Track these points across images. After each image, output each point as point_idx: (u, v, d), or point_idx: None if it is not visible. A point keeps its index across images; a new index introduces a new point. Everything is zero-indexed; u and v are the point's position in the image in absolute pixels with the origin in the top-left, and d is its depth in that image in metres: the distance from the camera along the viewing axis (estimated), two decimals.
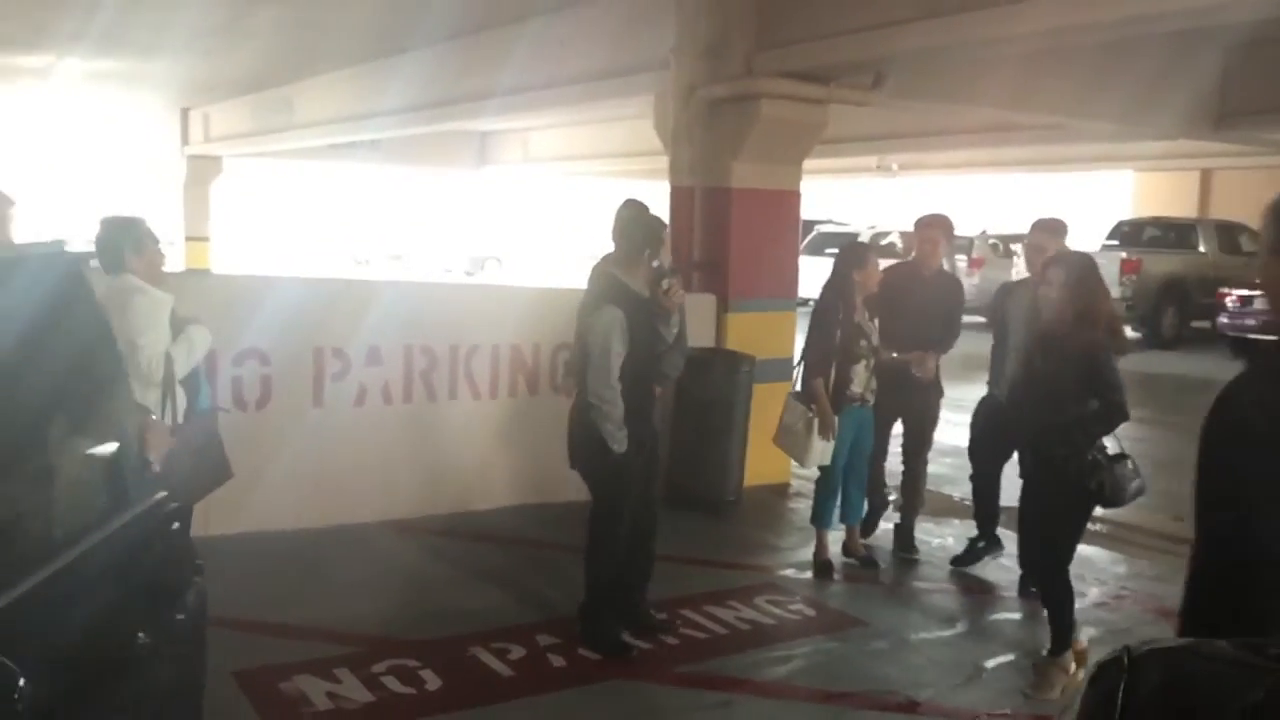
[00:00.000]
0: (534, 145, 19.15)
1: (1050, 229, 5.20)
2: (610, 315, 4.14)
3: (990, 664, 4.44)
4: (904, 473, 5.86)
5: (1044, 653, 4.32)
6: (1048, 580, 4.36)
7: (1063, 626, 4.26)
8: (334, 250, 29.33)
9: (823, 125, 7.12)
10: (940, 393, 5.77)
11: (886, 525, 5.96)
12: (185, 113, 18.29)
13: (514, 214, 31.50)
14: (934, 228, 5.75)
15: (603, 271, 4.35)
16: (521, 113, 12.21)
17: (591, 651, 4.30)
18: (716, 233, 7.02)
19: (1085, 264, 4.31)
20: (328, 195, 31.31)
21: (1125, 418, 4.22)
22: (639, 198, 4.57)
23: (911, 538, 5.82)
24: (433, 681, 4.02)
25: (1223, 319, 14.80)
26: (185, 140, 18.62)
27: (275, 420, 5.65)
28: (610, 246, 4.40)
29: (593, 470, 4.32)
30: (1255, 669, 0.58)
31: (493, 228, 31.20)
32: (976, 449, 5.55)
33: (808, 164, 7.37)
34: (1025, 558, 4.80)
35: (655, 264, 4.29)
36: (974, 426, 5.56)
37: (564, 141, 17.95)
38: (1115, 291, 15.30)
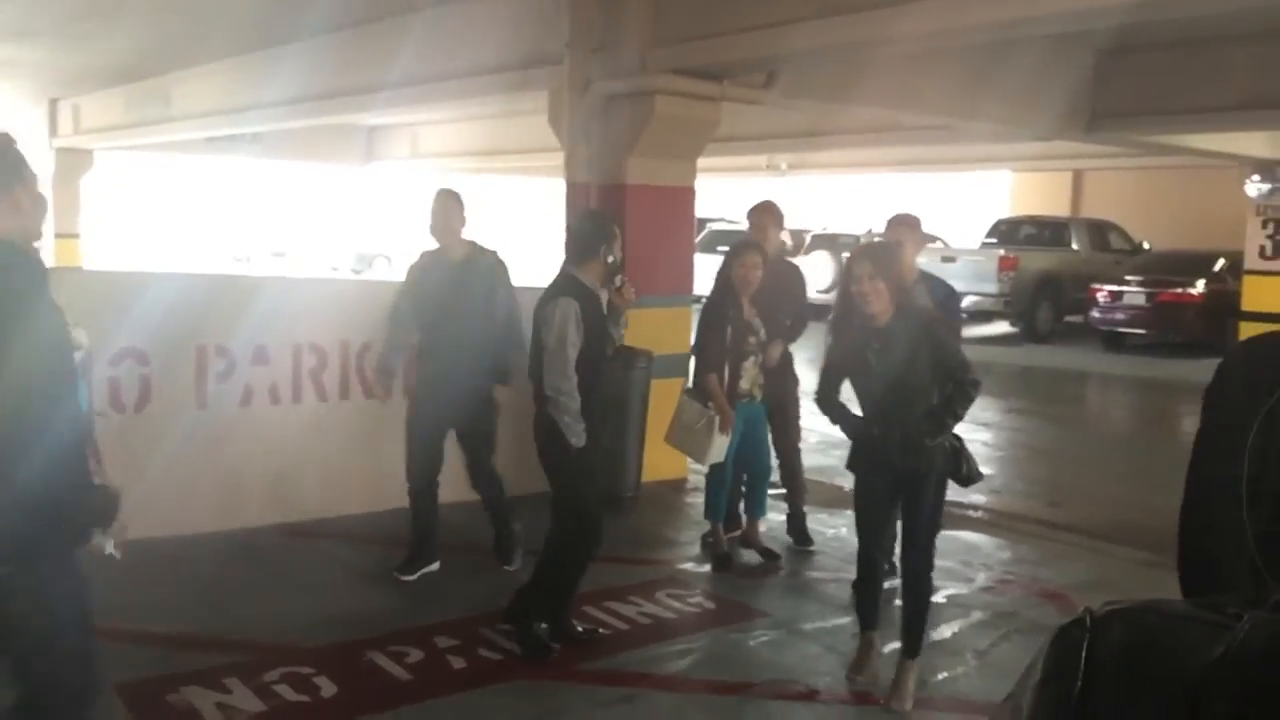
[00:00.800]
0: (424, 141, 18.84)
1: (907, 224, 5.02)
2: (566, 306, 4.09)
3: (887, 650, 4.53)
4: (780, 465, 5.93)
5: (904, 658, 4.07)
6: (927, 577, 4.10)
7: (925, 627, 4.12)
8: (213, 247, 28.35)
9: (716, 122, 7.18)
10: (796, 380, 5.86)
11: (779, 517, 6.05)
12: (54, 103, 17.42)
13: (403, 211, 30.94)
14: (764, 214, 5.77)
15: (560, 271, 4.30)
16: (411, 107, 11.97)
17: (522, 650, 4.24)
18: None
19: (888, 250, 4.19)
20: (206, 191, 30.23)
21: (979, 385, 3.96)
22: (451, 187, 5.18)
23: (804, 528, 5.91)
24: (328, 688, 3.91)
25: (1094, 314, 15.48)
26: (53, 132, 17.72)
27: (156, 422, 5.42)
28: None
29: (554, 466, 4.22)
30: (1215, 625, 0.59)
31: (381, 225, 30.59)
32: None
33: (700, 162, 7.43)
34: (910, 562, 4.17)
35: (610, 259, 4.27)
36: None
37: (455, 137, 17.71)
38: (993, 288, 15.91)
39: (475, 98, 9.74)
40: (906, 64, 8.03)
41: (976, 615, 5.00)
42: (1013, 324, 16.53)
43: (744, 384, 5.31)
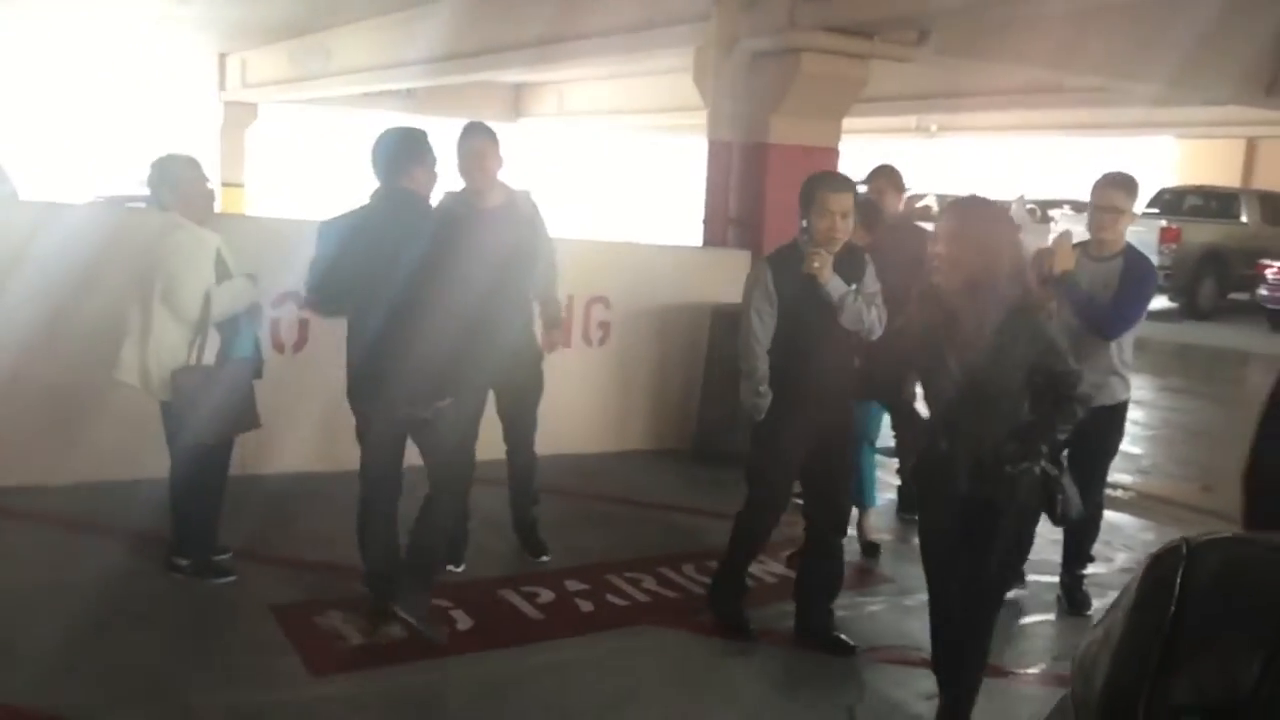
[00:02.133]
0: (570, 98, 19.06)
1: (1122, 185, 4.36)
2: (756, 269, 4.13)
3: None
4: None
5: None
6: (971, 648, 3.35)
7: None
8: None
9: (863, 81, 7.04)
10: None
11: None
12: (222, 58, 18.32)
13: (551, 167, 31.37)
14: (882, 177, 5.30)
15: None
16: (556, 64, 12.11)
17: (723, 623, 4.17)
18: (753, 188, 6.98)
19: (980, 208, 3.31)
20: (361, 145, 31.23)
21: (1089, 401, 3.26)
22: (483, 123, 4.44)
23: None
24: (463, 621, 4.09)
25: (1262, 291, 14.58)
26: (222, 86, 18.66)
27: (312, 363, 5.70)
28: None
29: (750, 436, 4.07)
30: None
31: (528, 181, 30.98)
32: None
33: (845, 123, 7.30)
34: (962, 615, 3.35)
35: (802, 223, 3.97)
36: None
37: (601, 95, 17.85)
38: (1155, 260, 15.09)
39: (620, 55, 9.79)
40: (1068, 21, 7.67)
41: (1113, 595, 4.85)
42: (1173, 299, 15.71)
43: None
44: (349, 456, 4.00)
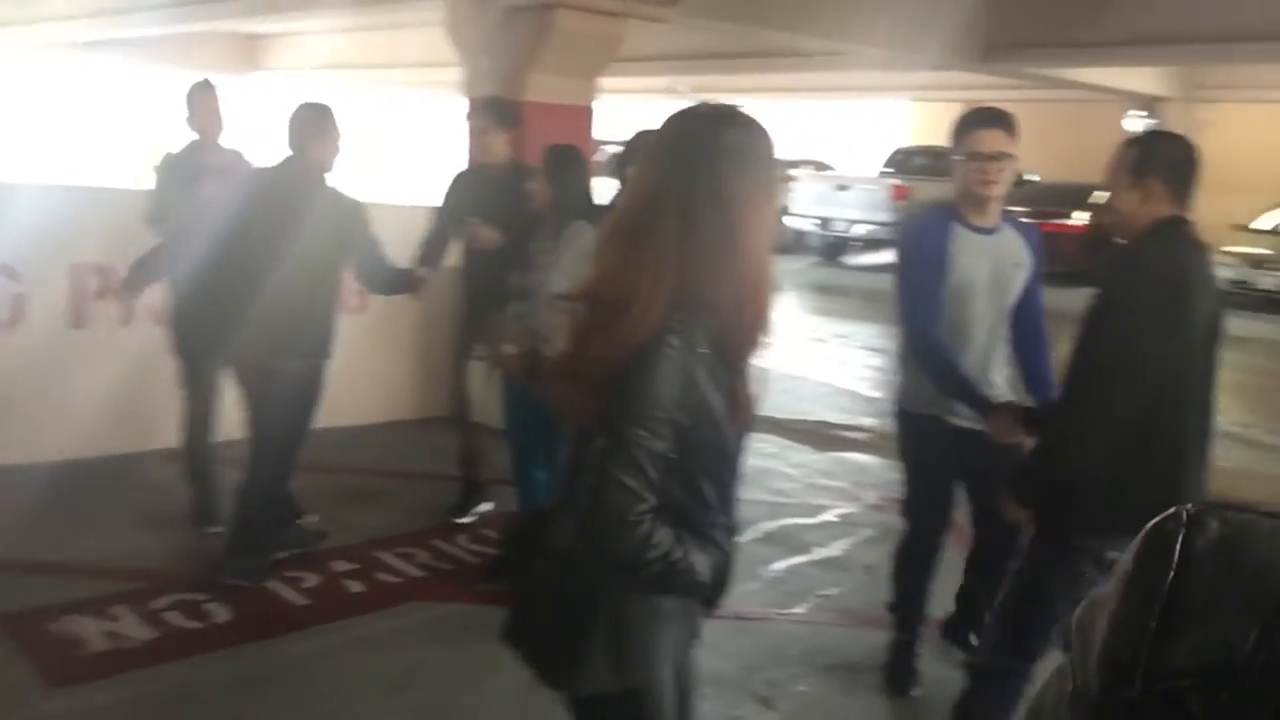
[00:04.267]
0: (310, 51, 18.09)
1: (1001, 122, 3.25)
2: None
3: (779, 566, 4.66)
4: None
5: None
6: None
7: None
8: (86, 158, 26.87)
9: (619, 40, 7.06)
10: None
11: None
12: None
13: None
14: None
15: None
16: (288, 14, 11.42)
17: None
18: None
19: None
20: (82, 99, 28.52)
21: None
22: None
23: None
24: (221, 614, 3.84)
25: None
26: None
27: (30, 343, 5.15)
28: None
29: None
30: None
31: (264, 139, 29.35)
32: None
33: (601, 83, 7.30)
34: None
35: None
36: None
37: (346, 48, 17.04)
38: (885, 216, 16.14)
39: (366, 6, 9.36)
40: None
41: (866, 532, 5.16)
42: None
43: None
44: (75, 444, 3.64)
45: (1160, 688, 0.59)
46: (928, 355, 3.30)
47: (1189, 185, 2.68)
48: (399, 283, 4.45)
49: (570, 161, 4.16)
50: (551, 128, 6.88)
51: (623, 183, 3.69)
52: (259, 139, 4.81)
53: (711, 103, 1.77)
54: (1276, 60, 10.62)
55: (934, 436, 3.43)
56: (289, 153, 4.00)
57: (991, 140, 3.18)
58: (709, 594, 1.84)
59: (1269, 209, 14.49)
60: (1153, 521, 0.64)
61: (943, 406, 3.37)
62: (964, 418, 3.34)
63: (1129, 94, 13.50)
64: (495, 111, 4.86)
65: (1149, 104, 14.07)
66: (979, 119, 3.24)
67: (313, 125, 4.03)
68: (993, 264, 3.28)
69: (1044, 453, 2.75)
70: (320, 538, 4.49)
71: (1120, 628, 0.62)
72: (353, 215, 4.10)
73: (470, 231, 4.63)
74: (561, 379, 1.79)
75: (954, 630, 3.83)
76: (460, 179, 5.02)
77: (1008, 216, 3.39)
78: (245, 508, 4.04)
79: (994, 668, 2.84)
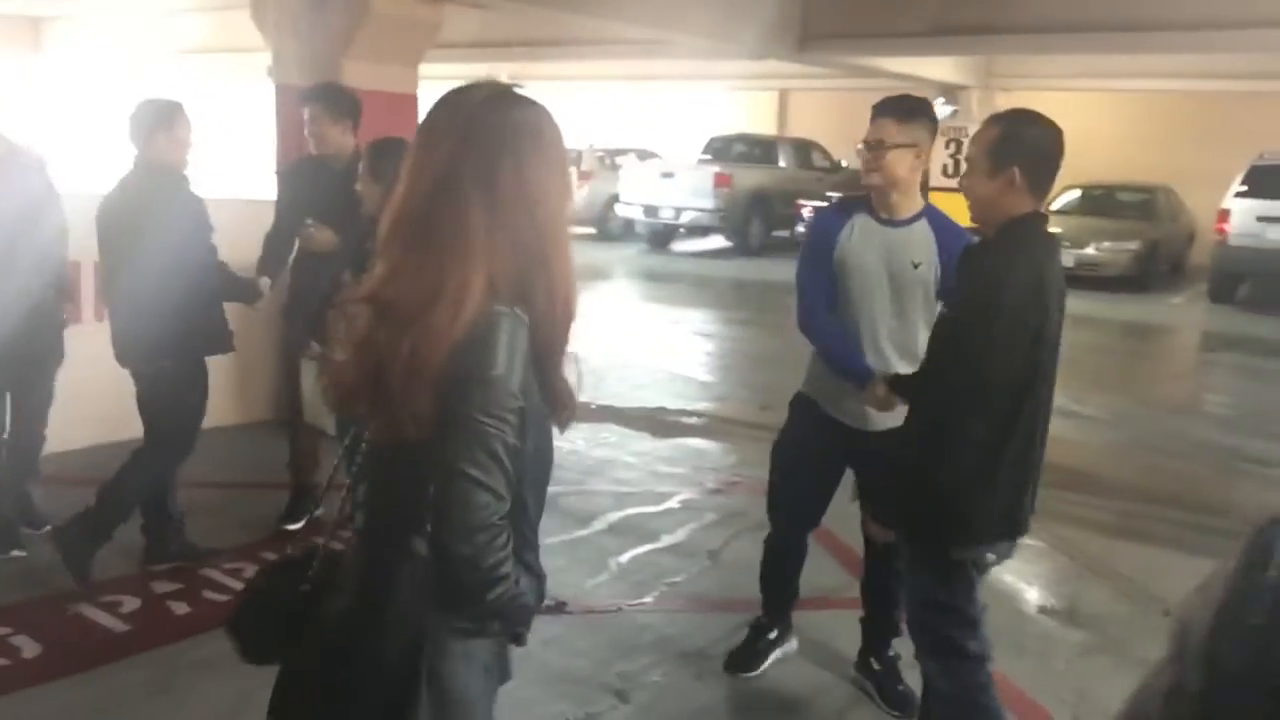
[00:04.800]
0: (100, 33, 16.90)
1: (891, 110, 3.20)
2: None
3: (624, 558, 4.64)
4: None
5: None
6: None
7: None
8: None
9: (438, 25, 6.88)
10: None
11: None
12: None
13: (81, 110, 27.83)
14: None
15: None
16: None
17: None
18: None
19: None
20: None
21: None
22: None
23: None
24: (29, 648, 3.51)
25: (800, 228, 16.36)
26: None
27: None
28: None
29: None
30: None
31: (52, 125, 27.33)
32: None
33: (422, 70, 7.09)
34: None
35: None
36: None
37: (139, 31, 15.99)
38: (709, 203, 16.42)
39: None
40: None
41: (709, 517, 5.21)
42: (727, 238, 17.19)
43: None
44: None
45: (1271, 685, 0.60)
46: (809, 333, 3.42)
47: (1051, 177, 2.54)
48: (236, 291, 4.26)
49: (395, 155, 3.93)
50: (374, 117, 6.64)
51: (379, 190, 3.56)
52: (44, 124, 4.43)
53: (488, 81, 1.62)
54: (1068, 50, 11.35)
55: (819, 429, 3.43)
56: (134, 151, 3.91)
57: (875, 129, 3.16)
58: (525, 628, 1.67)
59: (1063, 191, 15.51)
60: (1256, 525, 0.65)
61: (837, 406, 3.40)
62: (851, 418, 3.36)
63: (933, 83, 14.15)
64: (326, 99, 4.59)
65: (951, 92, 14.80)
66: (875, 108, 3.22)
67: (155, 121, 3.88)
68: (886, 257, 3.22)
69: (909, 477, 2.60)
70: (213, 554, 4.25)
71: (1226, 628, 0.63)
72: (193, 213, 3.92)
73: (305, 233, 4.43)
74: (371, 386, 1.54)
75: (862, 664, 3.65)
76: (293, 173, 4.75)
77: (936, 214, 3.26)
78: (99, 499, 3.95)
79: (951, 690, 2.71)
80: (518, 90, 1.63)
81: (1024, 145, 2.51)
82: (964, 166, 2.65)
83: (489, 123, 1.56)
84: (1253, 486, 6.34)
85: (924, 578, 2.69)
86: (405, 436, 1.50)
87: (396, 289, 1.52)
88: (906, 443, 2.68)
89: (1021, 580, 4.58)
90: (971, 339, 2.46)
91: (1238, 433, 7.64)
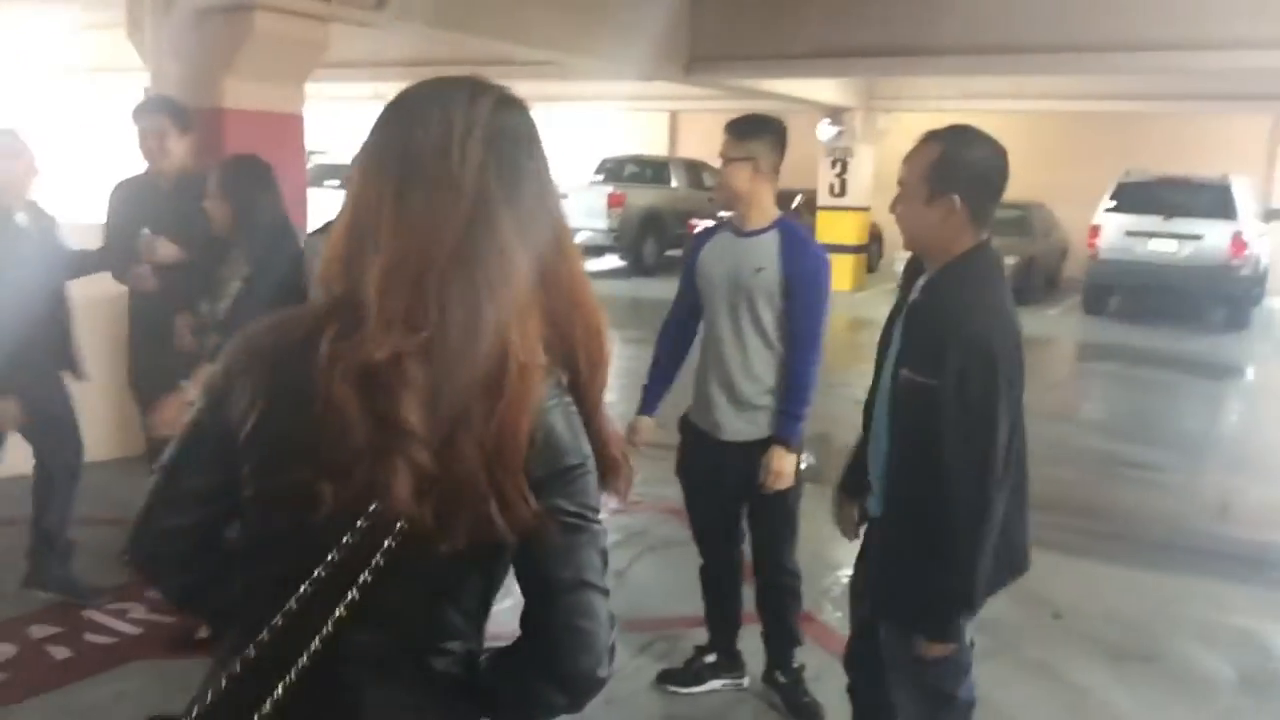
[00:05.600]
0: None
1: (730, 128, 3.42)
2: None
3: None
4: None
5: None
6: None
7: None
8: None
9: (324, 45, 6.72)
10: None
11: None
12: None
13: None
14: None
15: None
16: None
17: None
18: (212, 158, 6.36)
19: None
20: None
21: None
22: None
23: None
24: None
25: None
26: None
27: None
28: None
29: None
30: None
31: None
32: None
33: (309, 89, 6.94)
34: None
35: None
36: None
37: (19, 52, 15.27)
38: (603, 223, 16.45)
39: (32, 4, 8.43)
40: None
41: (611, 537, 5.17)
42: (622, 257, 17.26)
43: None
44: None
45: None
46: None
47: (994, 205, 2.31)
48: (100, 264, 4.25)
49: (252, 175, 3.76)
50: (256, 137, 6.46)
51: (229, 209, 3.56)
52: None
53: (469, 76, 1.32)
54: (947, 72, 11.74)
55: (699, 444, 3.50)
56: None
57: (721, 145, 3.33)
58: None
59: None
60: None
61: (701, 417, 3.44)
62: (710, 426, 3.41)
63: (818, 104, 14.47)
64: (174, 110, 4.32)
65: (837, 113, 15.15)
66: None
67: None
68: (732, 266, 3.31)
69: (928, 567, 2.28)
70: (96, 593, 4.08)
71: None
72: (45, 237, 3.81)
73: (146, 244, 4.07)
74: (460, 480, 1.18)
75: (768, 677, 3.66)
76: (125, 188, 4.42)
77: (788, 226, 3.32)
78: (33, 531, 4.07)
79: None
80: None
81: (966, 170, 2.28)
82: (897, 189, 2.43)
83: (507, 124, 1.27)
84: (1134, 490, 6.62)
85: (941, 671, 2.41)
86: (497, 540, 1.20)
87: (449, 351, 1.18)
88: (893, 527, 2.44)
89: None
90: (973, 419, 2.19)
91: (1116, 439, 7.97)
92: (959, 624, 2.33)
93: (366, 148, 1.28)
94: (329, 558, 1.20)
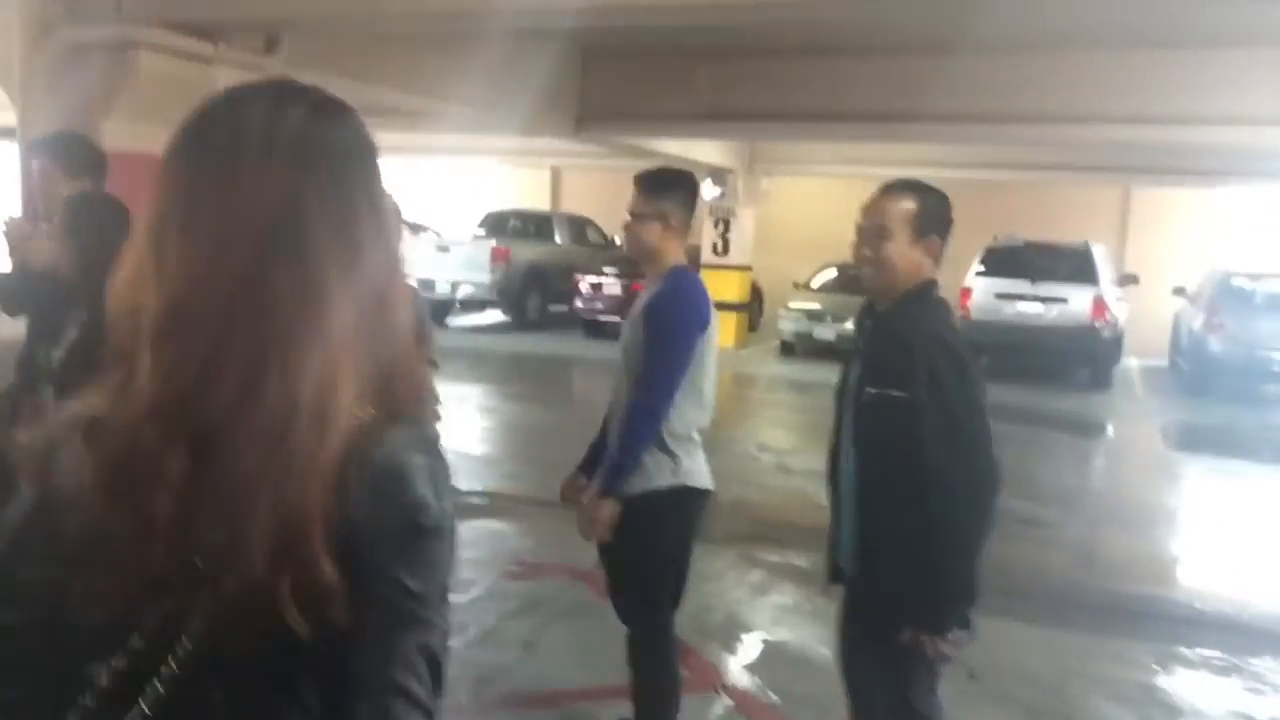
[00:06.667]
0: None
1: (638, 181, 3.42)
2: None
3: None
4: None
5: None
6: None
7: None
8: None
9: (207, 87, 6.43)
10: None
11: None
12: None
13: None
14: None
15: None
16: None
17: None
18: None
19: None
20: None
21: None
22: None
23: None
24: None
25: (577, 303, 16.48)
26: None
27: None
28: None
29: None
30: None
31: None
32: None
33: None
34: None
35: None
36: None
37: None
38: (486, 278, 16.24)
39: None
40: (415, 45, 7.83)
41: (515, 604, 4.97)
42: (505, 312, 17.08)
43: None
44: None
45: None
46: None
47: (947, 241, 2.69)
48: None
49: (98, 213, 3.44)
50: (138, 179, 6.10)
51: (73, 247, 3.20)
52: None
53: (278, 79, 1.12)
54: (827, 138, 12.09)
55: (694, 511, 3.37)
56: None
57: (630, 201, 3.28)
58: None
59: (820, 269, 16.39)
60: None
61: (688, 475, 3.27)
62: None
63: (702, 165, 14.69)
64: (58, 151, 3.83)
65: (720, 174, 15.41)
66: (634, 180, 3.34)
67: None
68: (630, 320, 3.31)
69: (927, 579, 2.52)
70: None
71: None
72: None
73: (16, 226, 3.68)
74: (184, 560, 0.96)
75: None
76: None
77: (676, 271, 3.25)
78: None
79: None
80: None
81: (940, 215, 2.67)
82: (857, 237, 2.69)
83: (329, 137, 1.06)
84: (1028, 547, 6.76)
85: (914, 663, 2.61)
86: (271, 630, 0.94)
87: (211, 400, 0.95)
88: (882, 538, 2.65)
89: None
90: (959, 435, 2.53)
91: (1003, 495, 8.15)
92: (964, 613, 2.56)
93: (156, 178, 1.06)
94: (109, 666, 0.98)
